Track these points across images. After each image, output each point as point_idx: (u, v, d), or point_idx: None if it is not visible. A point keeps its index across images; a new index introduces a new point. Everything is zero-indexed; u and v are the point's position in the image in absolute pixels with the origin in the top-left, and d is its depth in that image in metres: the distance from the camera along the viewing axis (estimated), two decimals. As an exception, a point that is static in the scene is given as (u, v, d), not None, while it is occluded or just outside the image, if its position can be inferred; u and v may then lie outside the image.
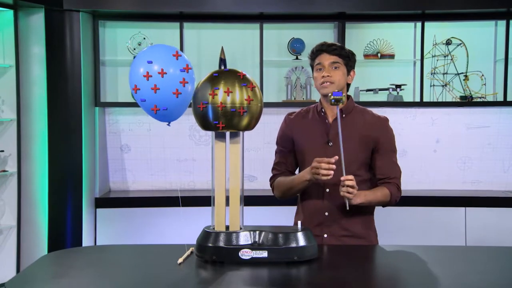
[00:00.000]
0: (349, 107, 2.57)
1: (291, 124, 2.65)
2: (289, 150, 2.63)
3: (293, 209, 2.71)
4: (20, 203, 4.12)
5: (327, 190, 2.51)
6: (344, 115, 2.55)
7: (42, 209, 4.15)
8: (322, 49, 2.53)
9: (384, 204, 2.55)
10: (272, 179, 2.69)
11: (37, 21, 4.09)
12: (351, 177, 2.35)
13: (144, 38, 4.56)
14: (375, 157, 2.55)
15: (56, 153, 4.15)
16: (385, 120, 2.60)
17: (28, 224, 4.15)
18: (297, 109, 2.70)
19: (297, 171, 2.68)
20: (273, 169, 2.70)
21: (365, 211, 2.56)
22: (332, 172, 2.31)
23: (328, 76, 2.49)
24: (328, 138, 2.54)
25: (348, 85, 2.60)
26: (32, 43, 4.12)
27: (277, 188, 2.64)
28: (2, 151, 4.08)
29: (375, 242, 2.60)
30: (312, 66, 2.59)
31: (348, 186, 2.33)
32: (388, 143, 2.57)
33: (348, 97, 2.59)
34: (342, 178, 2.34)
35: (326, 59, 2.51)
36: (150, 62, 2.07)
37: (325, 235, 2.53)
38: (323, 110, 2.58)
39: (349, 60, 2.54)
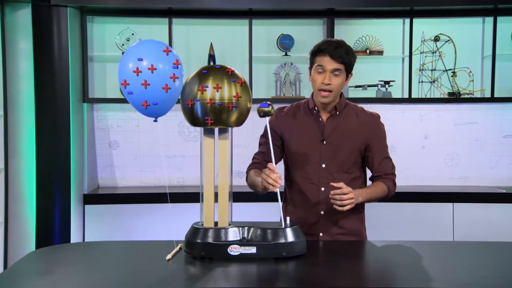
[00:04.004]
0: (342, 104, 2.56)
1: (282, 120, 2.61)
2: (274, 143, 2.55)
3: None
4: (8, 200, 4.09)
5: (322, 189, 2.50)
6: (337, 112, 2.55)
7: (30, 205, 4.13)
8: (327, 51, 2.42)
9: (381, 200, 2.55)
10: (248, 168, 2.63)
11: (24, 16, 4.05)
12: (339, 190, 2.31)
13: (133, 34, 4.54)
14: (370, 154, 2.55)
15: (44, 149, 4.12)
16: (377, 117, 2.60)
17: (15, 220, 4.13)
18: (287, 105, 2.67)
19: (282, 168, 2.68)
20: (252, 158, 2.65)
21: (359, 207, 2.55)
22: (278, 184, 2.22)
23: (328, 84, 2.43)
24: (323, 136, 2.53)
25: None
26: (19, 38, 4.08)
27: (248, 180, 2.58)
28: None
29: (365, 238, 2.61)
30: (311, 63, 2.51)
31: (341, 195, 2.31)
32: (381, 139, 2.58)
33: (341, 94, 2.58)
34: (332, 192, 2.31)
35: (329, 64, 2.42)
36: (140, 60, 2.07)
37: (321, 234, 2.53)
38: (316, 108, 2.56)
39: (350, 66, 2.48)
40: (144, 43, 2.16)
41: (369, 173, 2.65)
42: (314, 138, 2.53)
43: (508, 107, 4.72)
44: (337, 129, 2.52)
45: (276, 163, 2.60)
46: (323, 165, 2.50)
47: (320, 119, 2.55)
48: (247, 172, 2.61)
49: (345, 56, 2.42)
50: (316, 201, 2.52)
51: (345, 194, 2.31)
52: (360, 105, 2.65)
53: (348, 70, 2.48)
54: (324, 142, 2.52)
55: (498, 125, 4.75)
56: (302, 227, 2.41)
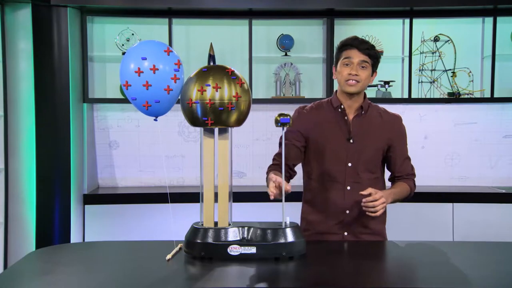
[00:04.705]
0: (366, 104, 2.56)
1: (305, 118, 2.56)
2: (294, 144, 2.53)
3: (280, 206, 2.69)
4: (8, 200, 4.09)
5: (348, 187, 2.50)
6: (363, 112, 2.55)
7: (29, 205, 4.13)
8: (354, 44, 2.48)
9: (404, 200, 2.57)
10: (268, 168, 2.60)
11: (24, 16, 4.05)
12: (370, 197, 2.31)
13: (133, 34, 4.54)
14: (392, 155, 2.56)
15: (44, 149, 4.12)
16: (400, 118, 2.62)
17: (15, 221, 4.12)
18: (307, 104, 2.65)
19: (300, 168, 2.66)
20: (273, 158, 2.63)
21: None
22: (273, 194, 2.19)
23: (355, 75, 2.45)
24: (350, 135, 2.51)
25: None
26: (19, 38, 4.08)
27: (266, 182, 2.53)
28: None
29: (386, 237, 2.61)
30: (337, 59, 2.52)
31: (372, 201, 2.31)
32: (403, 140, 2.61)
33: (364, 95, 2.58)
34: (364, 200, 2.31)
35: (356, 56, 2.46)
36: (144, 59, 2.08)
37: (345, 233, 2.52)
38: (342, 106, 2.55)
39: (376, 61, 2.50)
40: (145, 43, 2.17)
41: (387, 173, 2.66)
42: (340, 136, 2.52)
43: (508, 107, 4.72)
44: (363, 128, 2.52)
45: (295, 165, 2.60)
46: (349, 164, 2.50)
47: (346, 117, 2.54)
48: (267, 172, 2.59)
49: (371, 50, 2.47)
50: (342, 201, 2.50)
51: (377, 200, 2.31)
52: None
53: (374, 67, 2.51)
54: (351, 141, 2.51)
55: (498, 125, 4.75)
56: (325, 226, 2.47)
